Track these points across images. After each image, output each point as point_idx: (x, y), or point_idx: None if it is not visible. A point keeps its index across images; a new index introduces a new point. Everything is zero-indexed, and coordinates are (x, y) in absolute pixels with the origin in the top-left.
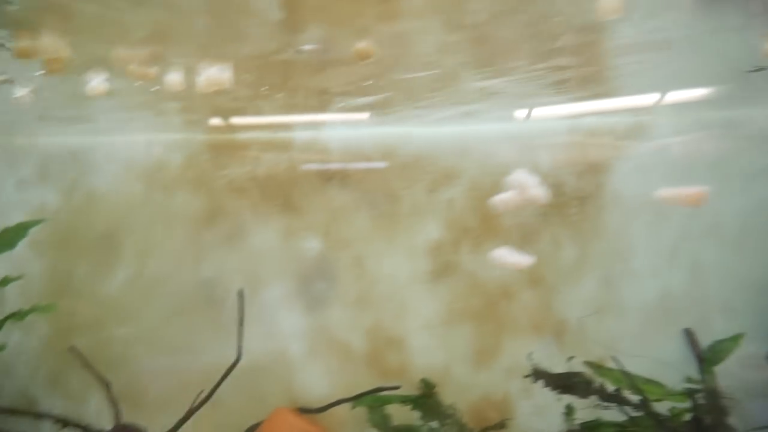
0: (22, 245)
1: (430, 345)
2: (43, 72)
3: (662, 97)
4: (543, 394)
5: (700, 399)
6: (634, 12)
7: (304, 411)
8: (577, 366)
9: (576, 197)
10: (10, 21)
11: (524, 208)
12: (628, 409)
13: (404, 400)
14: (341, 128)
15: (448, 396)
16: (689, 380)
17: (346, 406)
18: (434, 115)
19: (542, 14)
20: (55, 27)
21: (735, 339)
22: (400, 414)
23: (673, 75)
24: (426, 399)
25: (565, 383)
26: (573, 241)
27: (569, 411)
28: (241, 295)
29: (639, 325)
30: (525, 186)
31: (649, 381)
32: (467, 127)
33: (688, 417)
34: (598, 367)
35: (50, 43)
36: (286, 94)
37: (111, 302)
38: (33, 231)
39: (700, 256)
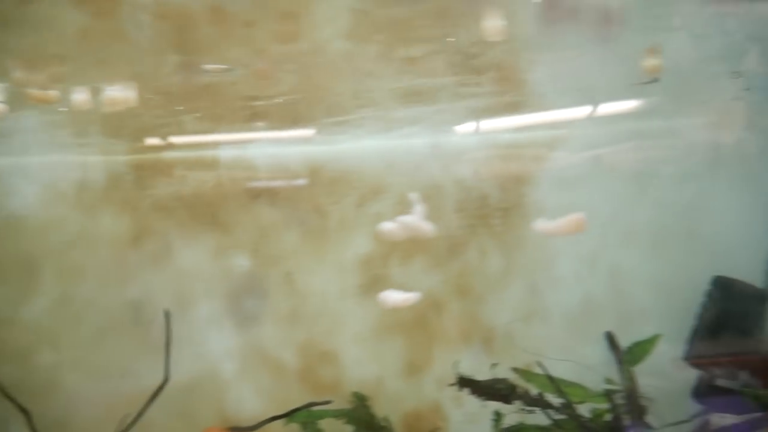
0: None
1: (362, 358)
2: None
3: (582, 109)
4: (474, 402)
5: (619, 399)
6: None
7: (236, 430)
8: (505, 372)
9: (500, 208)
10: None
11: (411, 238)
12: (551, 412)
13: (337, 414)
14: (267, 146)
15: (381, 408)
16: (608, 381)
17: (279, 423)
18: (359, 131)
19: (459, 30)
20: None
21: (652, 340)
22: (334, 429)
23: (592, 87)
24: (359, 412)
25: (489, 390)
26: (498, 251)
27: (497, 417)
28: (167, 315)
29: (563, 330)
30: (410, 222)
31: (572, 384)
32: (393, 142)
33: (608, 417)
34: (524, 373)
35: None
36: (211, 113)
37: (34, 328)
38: None
39: (618, 262)
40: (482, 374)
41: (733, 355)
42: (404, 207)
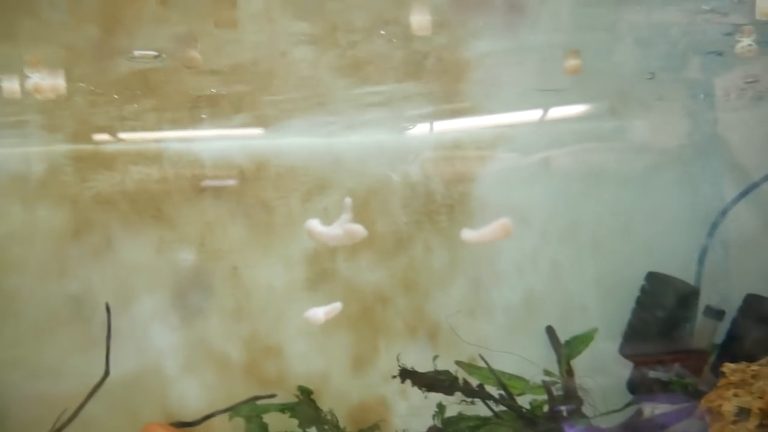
0: None
1: (308, 352)
2: None
3: (524, 110)
4: (419, 395)
5: (557, 391)
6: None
7: (179, 425)
8: (449, 365)
9: (445, 205)
10: None
11: (344, 243)
12: (491, 403)
13: (282, 408)
14: (213, 139)
15: (327, 402)
16: (546, 373)
17: (224, 418)
18: (306, 126)
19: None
20: None
21: (590, 334)
22: (279, 422)
23: (539, 89)
24: (304, 406)
25: (431, 382)
26: (443, 247)
27: (440, 409)
28: (108, 309)
29: (506, 324)
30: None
31: (513, 377)
32: (340, 138)
33: (545, 408)
34: (467, 366)
35: None
36: (154, 104)
37: None
38: None
39: (558, 258)
40: (427, 367)
41: (666, 348)
42: (352, 202)
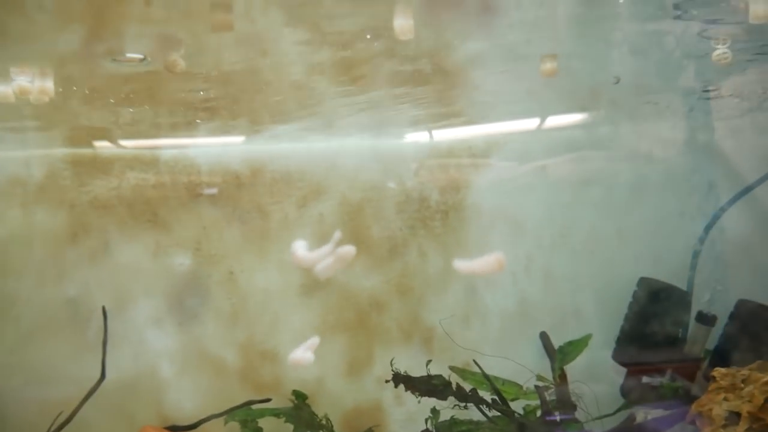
0: None
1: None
2: None
3: (520, 117)
4: (414, 400)
5: (550, 396)
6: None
7: (174, 429)
8: (444, 371)
9: (439, 211)
10: None
11: (338, 267)
12: (485, 408)
13: (277, 413)
14: (209, 144)
15: (322, 407)
16: (539, 379)
17: (219, 422)
18: (301, 131)
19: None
20: None
21: (584, 340)
22: (274, 427)
23: (533, 97)
24: (299, 411)
25: (424, 386)
26: (438, 252)
27: (434, 414)
28: (104, 312)
29: (500, 329)
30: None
31: (507, 382)
32: (335, 144)
33: (538, 413)
34: (461, 371)
35: None
36: (150, 109)
37: None
38: None
39: (551, 264)
40: (422, 373)
41: (658, 353)
42: (346, 208)
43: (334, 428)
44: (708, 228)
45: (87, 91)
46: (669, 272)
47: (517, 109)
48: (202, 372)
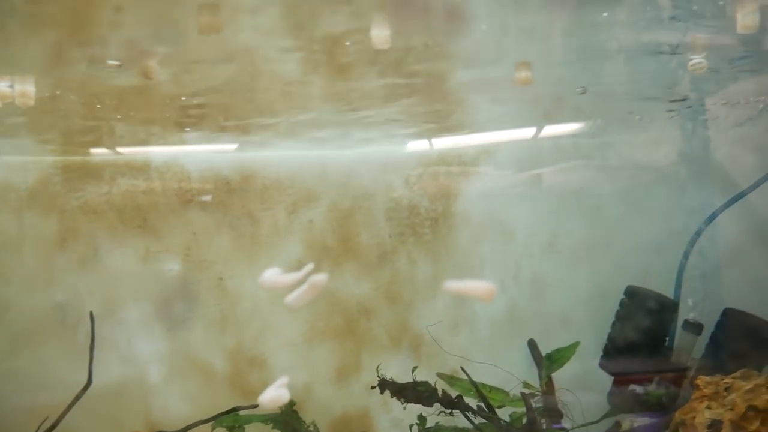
0: None
1: (292, 363)
2: None
3: (510, 128)
4: (401, 407)
5: (536, 403)
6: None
7: None
8: (432, 377)
9: (429, 218)
10: None
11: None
12: (470, 415)
13: (265, 419)
14: (199, 151)
15: (310, 413)
16: (525, 386)
17: (207, 428)
18: (292, 139)
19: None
20: None
21: (572, 347)
22: None
23: (523, 107)
24: (286, 417)
25: (410, 392)
26: (427, 259)
27: (421, 421)
28: (91, 317)
29: (489, 337)
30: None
31: (494, 389)
32: (325, 151)
33: (524, 420)
34: (448, 378)
35: None
36: (140, 115)
37: None
38: None
39: (540, 271)
40: (411, 379)
41: (645, 361)
42: (336, 214)
43: None
44: (694, 238)
45: (73, 97)
46: (657, 282)
47: (507, 117)
48: (191, 378)
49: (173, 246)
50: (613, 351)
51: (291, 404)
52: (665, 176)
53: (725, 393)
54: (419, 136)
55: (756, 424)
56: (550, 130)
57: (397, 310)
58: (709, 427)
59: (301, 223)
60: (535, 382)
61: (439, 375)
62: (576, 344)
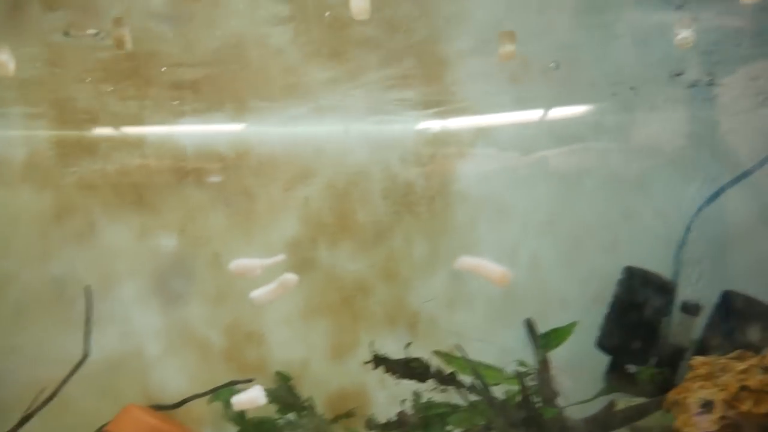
0: None
1: (289, 339)
2: None
3: (507, 106)
4: (397, 384)
5: (531, 382)
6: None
7: (159, 408)
8: (428, 355)
9: (425, 196)
10: None
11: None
12: (465, 391)
13: None
14: (195, 126)
15: (307, 389)
16: (520, 364)
17: (203, 402)
18: (288, 115)
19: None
20: None
21: (569, 327)
22: (258, 408)
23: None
24: (282, 391)
25: (403, 368)
26: (424, 238)
27: (416, 397)
28: (88, 291)
29: (485, 315)
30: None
31: (489, 367)
32: (322, 128)
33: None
34: (444, 356)
35: None
36: (133, 90)
37: None
38: None
39: (538, 251)
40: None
41: (642, 341)
42: (333, 191)
43: (318, 409)
44: (693, 218)
45: (58, 69)
46: (656, 262)
47: (505, 96)
48: (188, 352)
49: (169, 222)
50: (610, 330)
51: (287, 379)
52: (672, 157)
53: (720, 373)
54: (416, 111)
55: (749, 404)
56: (553, 110)
57: (393, 288)
58: (702, 407)
59: (296, 200)
60: (529, 361)
61: (436, 353)
62: (573, 324)
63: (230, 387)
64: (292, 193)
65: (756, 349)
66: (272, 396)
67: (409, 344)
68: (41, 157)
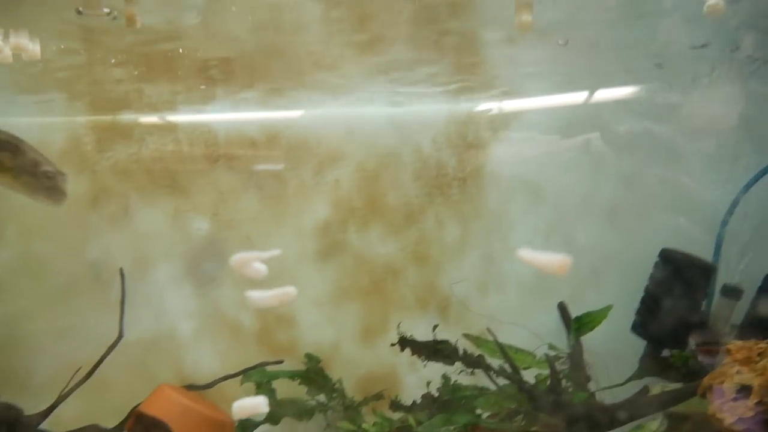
0: None
1: (319, 322)
2: None
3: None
4: (428, 367)
5: (562, 365)
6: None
7: (191, 388)
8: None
9: (457, 178)
10: None
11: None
12: (493, 375)
13: (292, 375)
14: (226, 110)
15: (337, 371)
16: (551, 348)
17: (235, 383)
18: (319, 98)
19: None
20: None
21: (603, 311)
22: (290, 390)
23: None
24: (313, 373)
25: (430, 350)
26: (455, 220)
27: (445, 380)
28: (122, 273)
29: (518, 299)
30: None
31: (520, 350)
32: (352, 110)
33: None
34: (475, 339)
35: None
36: (167, 75)
37: None
38: None
39: (572, 234)
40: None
41: (680, 326)
42: (363, 173)
43: (348, 392)
44: (736, 201)
45: (83, 53)
46: (696, 245)
47: (539, 79)
48: (220, 334)
49: (201, 205)
50: (646, 315)
51: (316, 361)
52: (708, 137)
53: (758, 358)
54: (448, 95)
55: None
56: (582, 92)
57: (424, 271)
58: (738, 392)
59: (326, 183)
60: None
61: (466, 335)
62: (608, 308)
63: (261, 368)
64: (322, 176)
65: None
66: (303, 378)
67: (436, 326)
68: (79, 142)
